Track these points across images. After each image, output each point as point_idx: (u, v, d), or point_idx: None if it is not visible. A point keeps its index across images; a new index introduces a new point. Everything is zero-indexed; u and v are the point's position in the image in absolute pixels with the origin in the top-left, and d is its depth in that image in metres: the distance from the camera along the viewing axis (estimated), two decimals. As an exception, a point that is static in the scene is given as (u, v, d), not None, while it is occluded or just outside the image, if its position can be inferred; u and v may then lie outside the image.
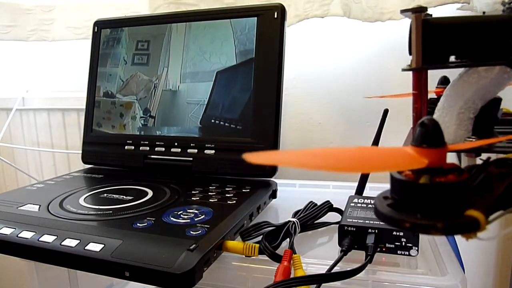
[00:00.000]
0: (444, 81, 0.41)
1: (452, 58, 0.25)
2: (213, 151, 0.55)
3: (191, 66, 0.58)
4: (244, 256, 0.36)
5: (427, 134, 0.19)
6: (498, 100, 0.27)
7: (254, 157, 0.20)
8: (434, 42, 0.24)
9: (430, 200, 0.19)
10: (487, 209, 0.18)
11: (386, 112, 0.48)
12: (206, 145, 0.55)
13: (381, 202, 0.20)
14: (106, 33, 0.65)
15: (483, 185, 0.20)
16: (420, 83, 0.26)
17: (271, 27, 0.54)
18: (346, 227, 0.37)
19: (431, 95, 0.35)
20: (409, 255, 0.36)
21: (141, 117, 0.61)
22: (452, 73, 0.41)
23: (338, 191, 0.60)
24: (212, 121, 0.56)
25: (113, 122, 0.63)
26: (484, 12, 0.64)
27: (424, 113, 0.26)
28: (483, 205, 0.19)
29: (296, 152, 0.22)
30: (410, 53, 0.25)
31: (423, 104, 0.26)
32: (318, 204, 0.46)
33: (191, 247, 0.32)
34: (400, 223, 0.19)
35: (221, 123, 0.55)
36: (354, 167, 0.21)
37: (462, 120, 0.27)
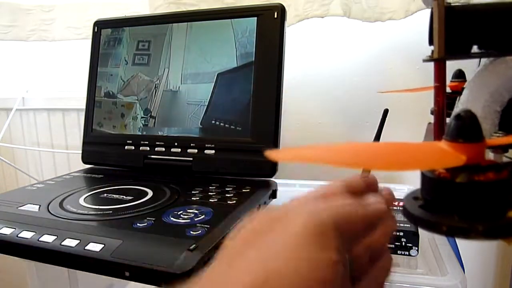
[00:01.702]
0: (459, 75, 0.39)
1: (475, 48, 0.23)
2: (213, 151, 0.55)
3: (192, 67, 0.58)
4: (244, 256, 0.36)
5: (464, 128, 0.17)
6: None
7: (276, 155, 0.19)
8: (458, 30, 0.22)
9: (468, 200, 0.17)
10: None
11: (386, 112, 0.48)
12: (206, 145, 0.55)
13: (412, 203, 0.19)
14: (107, 33, 0.65)
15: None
16: (441, 75, 0.23)
17: (271, 27, 0.54)
18: (346, 227, 0.37)
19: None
20: (409, 255, 0.36)
21: (142, 117, 0.61)
22: (466, 67, 0.39)
23: (338, 191, 0.60)
24: (213, 122, 0.56)
25: (114, 122, 0.63)
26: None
27: (445, 106, 0.25)
28: None
29: (320, 148, 0.20)
30: (431, 43, 0.23)
31: (444, 97, 0.24)
32: (318, 204, 0.46)
33: (191, 247, 0.32)
34: (436, 226, 0.17)
35: (221, 124, 0.55)
36: (386, 164, 0.19)
37: (488, 113, 0.24)
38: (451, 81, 0.39)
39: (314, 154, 0.20)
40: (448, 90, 0.38)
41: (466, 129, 0.18)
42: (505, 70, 0.24)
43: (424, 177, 0.19)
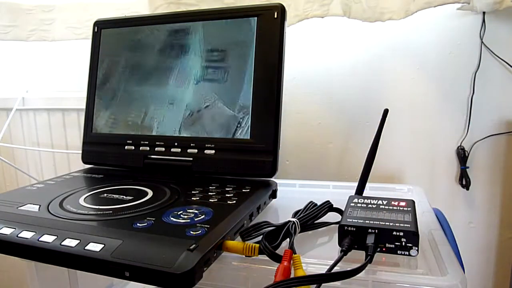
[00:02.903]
0: None
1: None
2: (213, 151, 0.55)
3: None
4: (244, 256, 0.36)
5: None
6: None
7: None
8: None
9: None
10: None
11: (386, 112, 0.48)
12: (206, 145, 0.55)
13: None
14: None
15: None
16: None
17: (271, 27, 0.54)
18: (346, 227, 0.37)
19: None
20: (409, 255, 0.36)
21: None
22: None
23: (338, 191, 0.60)
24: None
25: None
26: (484, 13, 0.64)
27: None
28: None
29: None
30: None
31: None
32: (318, 204, 0.46)
33: (191, 247, 0.32)
34: None
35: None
36: None
37: None
38: None
39: None
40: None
41: None
42: None
43: None
